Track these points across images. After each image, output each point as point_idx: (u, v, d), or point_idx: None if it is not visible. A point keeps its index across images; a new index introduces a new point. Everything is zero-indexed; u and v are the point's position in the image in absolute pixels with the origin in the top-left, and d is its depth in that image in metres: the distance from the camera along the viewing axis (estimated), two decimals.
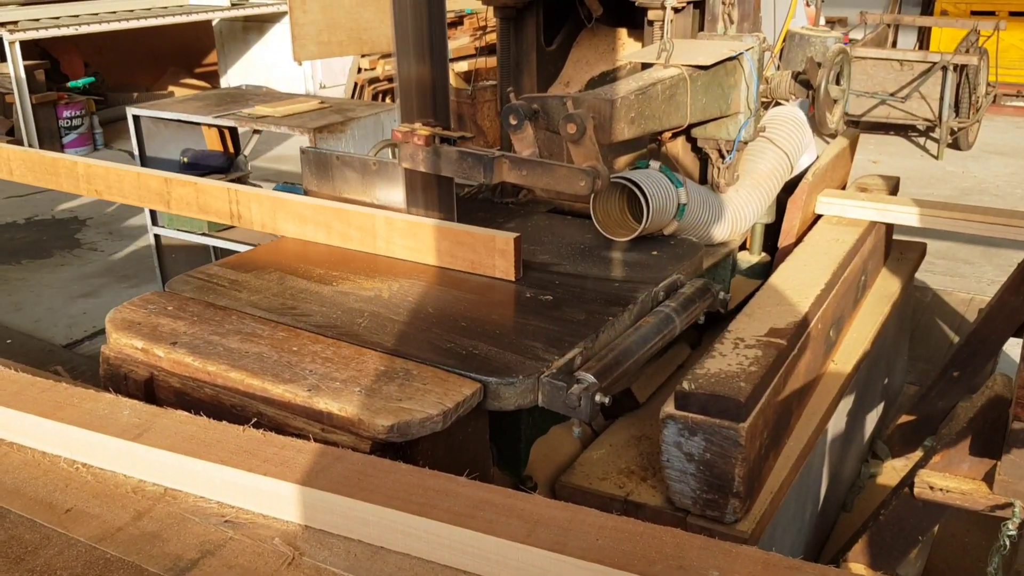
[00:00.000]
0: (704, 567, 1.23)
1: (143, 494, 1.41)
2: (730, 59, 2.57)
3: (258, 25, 10.39)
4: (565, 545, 1.26)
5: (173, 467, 1.49)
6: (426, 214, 2.39)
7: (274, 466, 1.45)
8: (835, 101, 2.94)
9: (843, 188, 3.31)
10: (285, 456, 1.48)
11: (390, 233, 2.37)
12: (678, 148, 2.82)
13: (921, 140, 9.00)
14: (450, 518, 1.32)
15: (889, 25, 9.99)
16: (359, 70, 9.18)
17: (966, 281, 5.39)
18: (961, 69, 8.21)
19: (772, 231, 3.02)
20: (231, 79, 10.49)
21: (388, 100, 8.94)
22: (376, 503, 1.35)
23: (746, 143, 2.74)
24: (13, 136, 8.78)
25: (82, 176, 2.84)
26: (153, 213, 4.92)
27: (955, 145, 8.63)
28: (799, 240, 2.82)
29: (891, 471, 3.09)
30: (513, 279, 2.23)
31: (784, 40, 3.22)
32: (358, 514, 1.36)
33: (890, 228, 3.26)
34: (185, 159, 4.91)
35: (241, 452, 1.50)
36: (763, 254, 3.06)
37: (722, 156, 2.72)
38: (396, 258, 2.38)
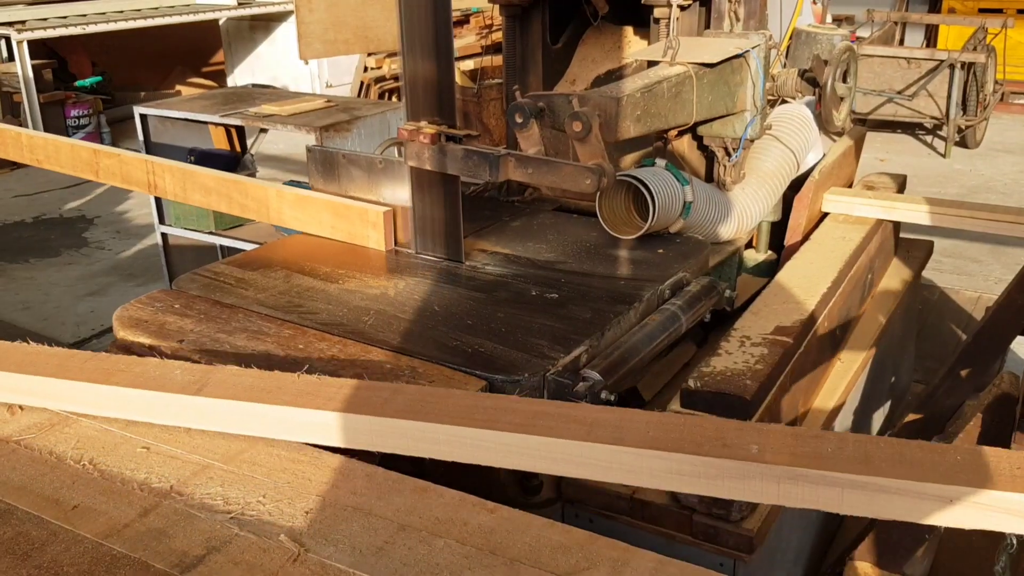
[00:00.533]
0: (745, 443, 1.39)
1: (150, 491, 1.42)
2: (736, 57, 2.57)
3: (265, 24, 10.39)
4: (622, 439, 1.41)
5: (240, 414, 1.56)
6: (432, 212, 2.39)
7: (339, 403, 1.53)
8: (842, 99, 2.93)
9: (850, 186, 3.30)
10: (346, 394, 1.56)
11: (281, 205, 2.58)
12: (684, 146, 2.82)
13: (928, 138, 8.97)
14: (515, 429, 1.45)
15: (896, 23, 9.95)
16: (365, 69, 9.18)
17: (973, 279, 5.37)
18: (969, 67, 8.17)
19: (778, 229, 3.01)
20: (238, 78, 10.50)
21: (394, 99, 8.95)
22: (444, 423, 1.47)
23: (752, 141, 2.73)
24: None
25: (26, 146, 3.10)
26: (160, 211, 4.93)
27: (962, 143, 8.60)
28: (805, 238, 2.81)
29: None
30: (384, 249, 2.44)
31: (790, 38, 3.22)
32: (429, 435, 1.48)
33: (897, 226, 3.25)
34: (192, 158, 4.92)
35: (303, 395, 1.57)
36: (769, 252, 3.06)
37: (728, 154, 2.72)
38: (288, 227, 2.61)
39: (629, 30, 3.11)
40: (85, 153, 2.96)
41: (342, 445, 1.52)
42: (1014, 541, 1.97)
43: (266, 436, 1.55)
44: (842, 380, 2.48)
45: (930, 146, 8.79)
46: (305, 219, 2.56)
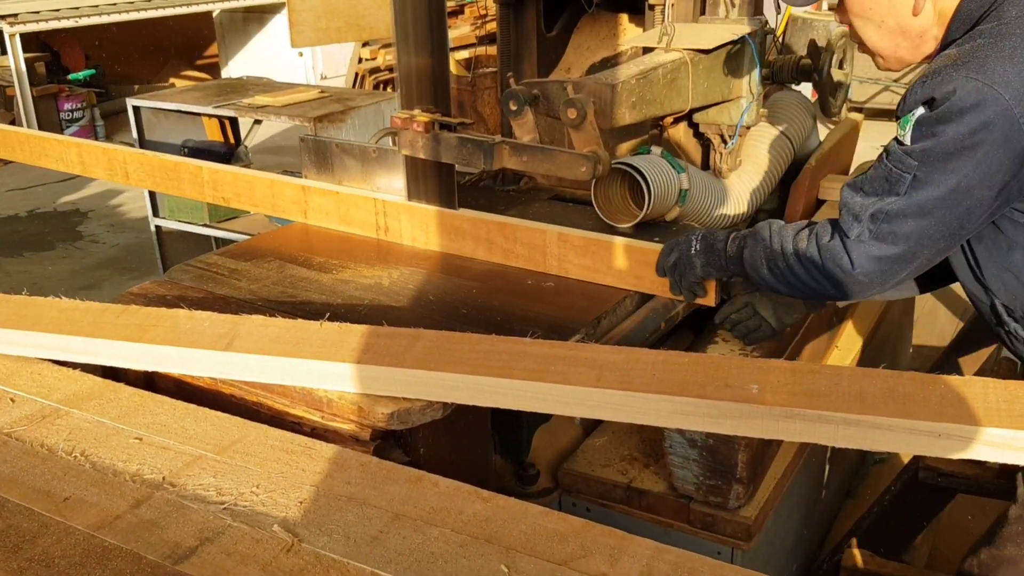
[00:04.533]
0: (745, 382, 1.44)
1: (142, 482, 1.40)
2: (732, 43, 2.55)
3: (258, 16, 10.36)
4: (630, 383, 1.46)
5: (271, 368, 1.64)
6: (426, 202, 2.37)
7: (362, 353, 1.61)
8: (838, 86, 2.92)
9: (847, 173, 3.29)
10: (369, 343, 1.64)
11: (563, 251, 2.20)
12: (680, 133, 2.80)
13: None
14: (529, 375, 1.52)
15: None
16: (360, 60, 9.15)
17: None
18: None
19: (775, 216, 2.99)
20: (232, 71, 10.46)
21: (388, 89, 8.92)
22: (462, 372, 1.54)
23: (748, 128, 2.72)
24: None
25: (207, 182, 2.70)
26: (154, 204, 4.90)
27: None
28: None
29: (896, 457, 3.08)
30: (713, 304, 2.06)
31: (787, 24, 3.20)
32: (449, 383, 1.56)
33: None
34: (185, 150, 4.89)
35: (328, 346, 1.64)
36: None
37: (724, 141, 2.70)
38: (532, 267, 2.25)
39: (624, 17, 3.09)
40: (290, 191, 2.53)
41: (368, 393, 1.61)
42: None
43: (294, 385, 1.65)
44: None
45: None
46: (597, 267, 2.15)
